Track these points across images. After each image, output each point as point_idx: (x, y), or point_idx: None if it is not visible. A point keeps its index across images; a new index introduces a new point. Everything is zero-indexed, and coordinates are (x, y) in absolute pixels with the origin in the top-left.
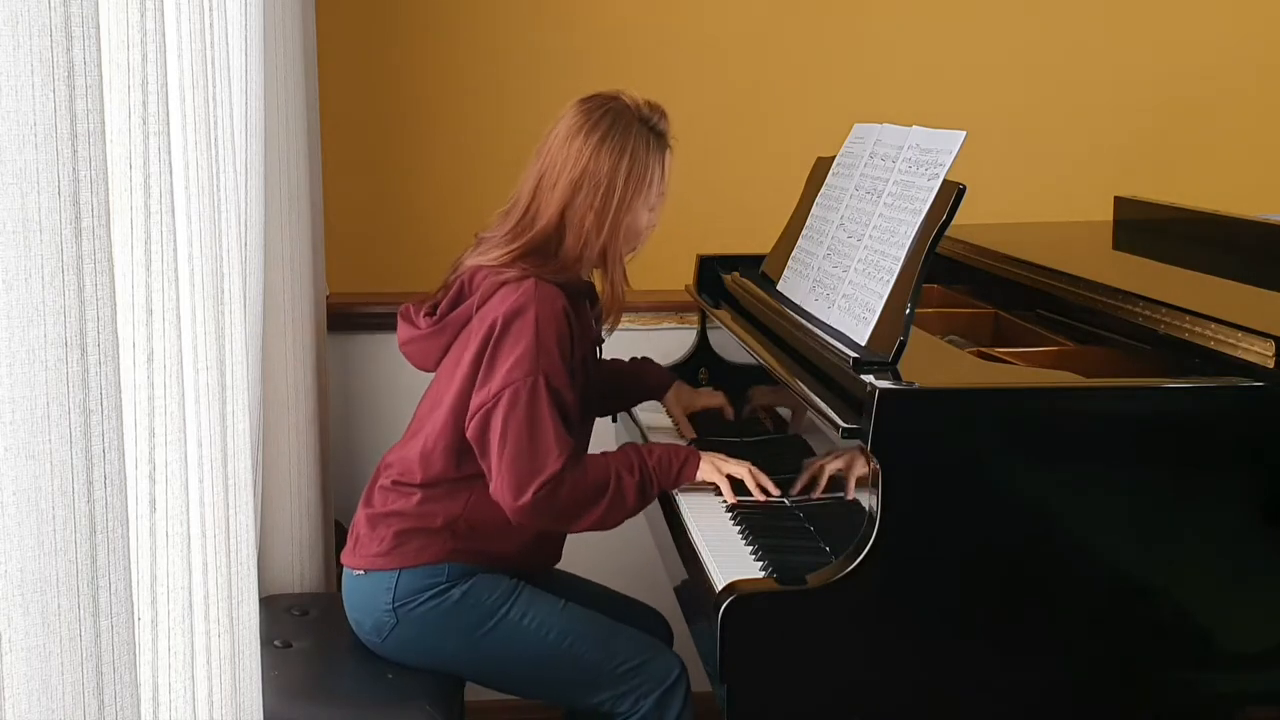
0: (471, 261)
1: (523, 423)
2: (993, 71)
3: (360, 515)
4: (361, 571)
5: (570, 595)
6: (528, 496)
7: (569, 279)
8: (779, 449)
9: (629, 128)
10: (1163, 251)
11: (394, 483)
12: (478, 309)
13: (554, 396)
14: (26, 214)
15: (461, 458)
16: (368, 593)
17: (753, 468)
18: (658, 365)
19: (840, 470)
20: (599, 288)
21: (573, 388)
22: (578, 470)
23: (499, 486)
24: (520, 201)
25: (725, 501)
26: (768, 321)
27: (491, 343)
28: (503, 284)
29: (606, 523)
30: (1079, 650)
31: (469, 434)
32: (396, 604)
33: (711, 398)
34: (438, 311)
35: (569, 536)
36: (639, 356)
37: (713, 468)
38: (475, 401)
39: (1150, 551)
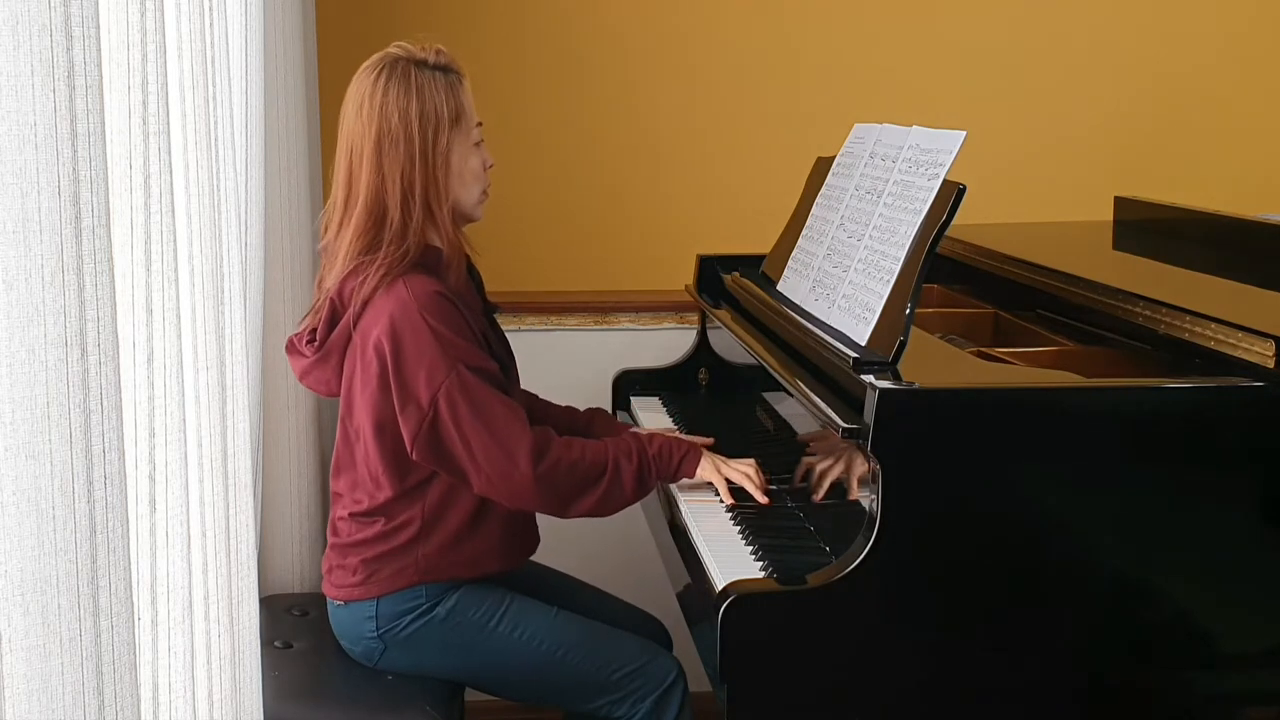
0: (331, 280)
1: (471, 417)
2: (992, 71)
3: (329, 547)
4: (341, 602)
5: (565, 602)
6: (524, 471)
7: (424, 254)
8: (780, 451)
9: (406, 73)
10: (1163, 251)
11: (351, 515)
12: (355, 324)
13: (481, 376)
14: (26, 214)
15: (404, 471)
16: (351, 622)
17: (756, 470)
18: (609, 416)
19: (841, 470)
20: (450, 248)
21: (488, 357)
22: (574, 451)
23: (486, 482)
24: (338, 192)
25: (724, 502)
26: (768, 322)
27: (390, 361)
28: (373, 295)
29: (604, 508)
30: (1078, 650)
31: (418, 457)
32: (381, 630)
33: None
34: (318, 337)
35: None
36: (593, 407)
37: (713, 467)
38: (409, 424)
39: (1150, 551)
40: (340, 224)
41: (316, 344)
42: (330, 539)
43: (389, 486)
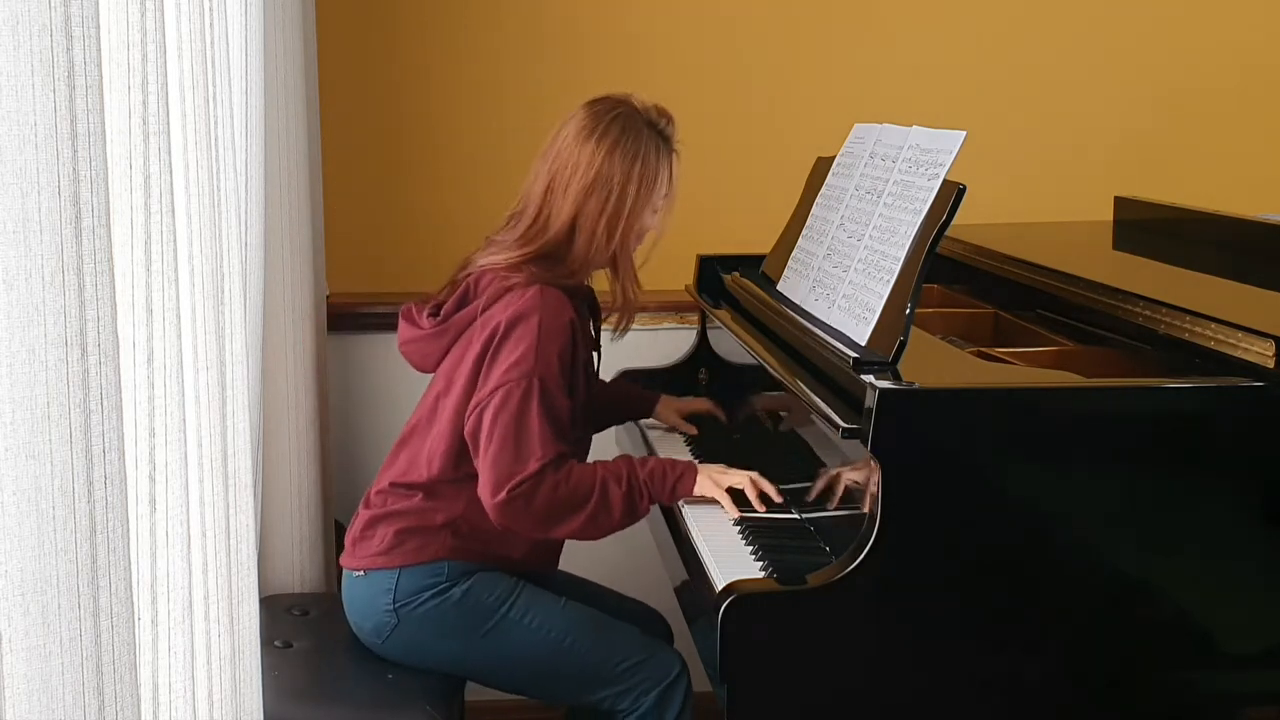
0: (481, 263)
1: (510, 421)
2: (993, 71)
3: (359, 518)
4: (361, 572)
5: (569, 594)
6: (503, 494)
7: (574, 284)
8: (780, 451)
9: (639, 133)
10: (1163, 251)
11: (392, 484)
12: (483, 311)
13: (545, 400)
14: (26, 214)
15: (461, 458)
16: (368, 594)
17: (755, 476)
18: (639, 385)
19: (849, 484)
20: (603, 289)
21: (569, 395)
22: (560, 474)
23: (482, 483)
24: (530, 205)
25: (730, 516)
26: (768, 321)
27: (493, 345)
28: (509, 289)
29: (590, 533)
30: (1079, 650)
31: (466, 431)
32: (398, 604)
33: (700, 403)
34: (442, 312)
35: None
36: (620, 377)
37: (711, 482)
38: (473, 400)
39: (1150, 551)
40: (522, 236)
41: (440, 319)
42: (361, 510)
43: (438, 466)
